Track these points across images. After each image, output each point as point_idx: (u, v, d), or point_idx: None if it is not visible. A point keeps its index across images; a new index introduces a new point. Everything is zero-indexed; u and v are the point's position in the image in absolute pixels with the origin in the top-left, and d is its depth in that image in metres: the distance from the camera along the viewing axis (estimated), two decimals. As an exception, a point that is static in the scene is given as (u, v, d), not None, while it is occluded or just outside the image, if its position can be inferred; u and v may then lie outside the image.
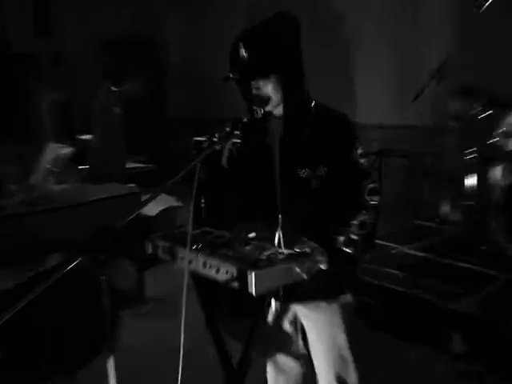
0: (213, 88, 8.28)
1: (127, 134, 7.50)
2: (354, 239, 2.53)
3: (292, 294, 2.48)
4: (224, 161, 2.85)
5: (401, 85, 7.49)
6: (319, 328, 2.84)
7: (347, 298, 2.84)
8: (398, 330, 4.77)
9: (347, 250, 2.52)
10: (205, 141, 2.46)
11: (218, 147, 2.40)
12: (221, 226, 2.68)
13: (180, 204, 6.08)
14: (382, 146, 7.09)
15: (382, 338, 4.69)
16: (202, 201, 2.64)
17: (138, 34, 10.48)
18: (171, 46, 11.28)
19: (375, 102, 7.81)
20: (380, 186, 2.65)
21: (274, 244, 2.40)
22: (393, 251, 5.72)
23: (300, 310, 2.91)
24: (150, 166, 7.97)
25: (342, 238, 2.53)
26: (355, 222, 2.57)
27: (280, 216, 2.44)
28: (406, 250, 5.79)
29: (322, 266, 2.36)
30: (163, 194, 6.08)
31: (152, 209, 5.65)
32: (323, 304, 2.82)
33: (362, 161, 2.64)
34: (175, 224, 5.97)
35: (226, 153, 2.73)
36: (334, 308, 2.81)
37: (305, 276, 2.28)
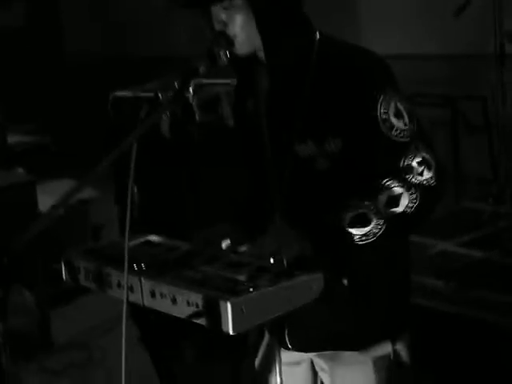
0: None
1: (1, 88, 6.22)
2: (368, 218, 2.17)
3: (302, 334, 2.32)
4: (165, 128, 2.85)
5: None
6: None
7: (384, 348, 2.37)
8: (445, 369, 4.15)
9: (357, 233, 2.16)
10: (137, 101, 2.38)
11: (164, 116, 2.24)
12: (168, 230, 2.43)
13: (92, 194, 5.35)
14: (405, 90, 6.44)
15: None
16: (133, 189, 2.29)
17: None
18: None
19: (391, 18, 6.81)
20: (433, 155, 2.24)
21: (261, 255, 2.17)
22: (430, 250, 5.06)
23: (317, 362, 2.48)
24: (43, 138, 6.73)
25: (349, 214, 2.18)
26: (382, 197, 2.18)
27: (277, 214, 2.27)
28: (450, 247, 5.14)
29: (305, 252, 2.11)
30: (56, 181, 5.69)
31: (45, 204, 4.77)
32: (346, 355, 2.39)
33: (396, 124, 2.22)
34: (87, 227, 5.48)
35: (167, 117, 2.59)
36: (365, 363, 2.38)
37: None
